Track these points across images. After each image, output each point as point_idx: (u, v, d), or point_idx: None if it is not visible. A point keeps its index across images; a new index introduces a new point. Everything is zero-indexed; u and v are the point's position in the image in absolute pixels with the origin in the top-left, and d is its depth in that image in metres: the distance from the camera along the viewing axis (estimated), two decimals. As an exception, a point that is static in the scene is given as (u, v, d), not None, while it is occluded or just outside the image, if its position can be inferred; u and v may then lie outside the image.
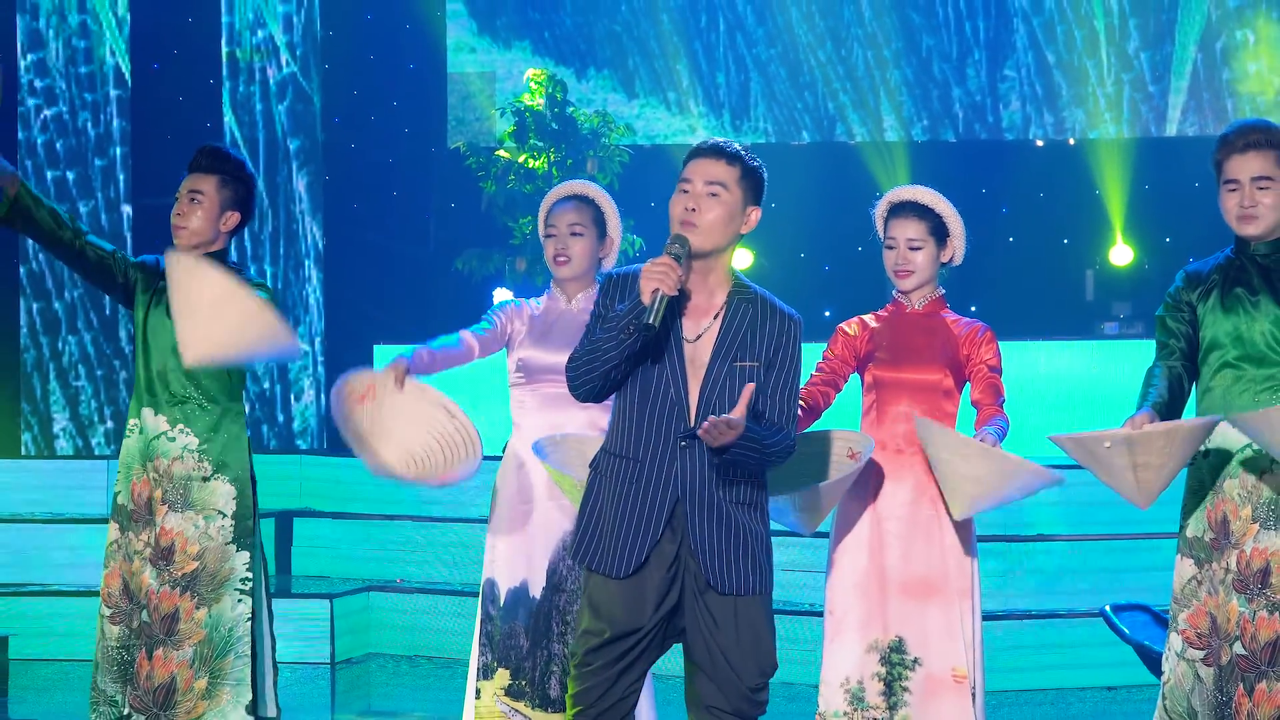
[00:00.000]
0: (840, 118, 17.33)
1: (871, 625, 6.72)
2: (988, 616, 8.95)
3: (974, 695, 6.65)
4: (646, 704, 7.32)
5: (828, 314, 16.88)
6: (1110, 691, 10.88)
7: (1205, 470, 6.34)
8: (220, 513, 7.45)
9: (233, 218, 7.50)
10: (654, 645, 5.80)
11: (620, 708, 5.83)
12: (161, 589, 7.40)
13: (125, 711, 7.54)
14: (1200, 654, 6.25)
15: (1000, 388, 6.85)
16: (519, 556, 7.40)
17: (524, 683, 7.25)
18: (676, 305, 5.68)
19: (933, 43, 17.27)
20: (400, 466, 7.13)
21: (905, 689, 6.65)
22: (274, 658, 7.63)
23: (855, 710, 6.67)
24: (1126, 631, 8.92)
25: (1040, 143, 17.25)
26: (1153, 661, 7.98)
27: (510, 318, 7.50)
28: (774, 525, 6.12)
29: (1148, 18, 16.99)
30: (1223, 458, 6.30)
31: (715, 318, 5.76)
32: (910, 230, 6.89)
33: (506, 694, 7.24)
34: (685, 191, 5.79)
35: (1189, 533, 6.36)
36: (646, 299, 5.53)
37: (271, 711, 7.78)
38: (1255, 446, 6.17)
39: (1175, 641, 6.31)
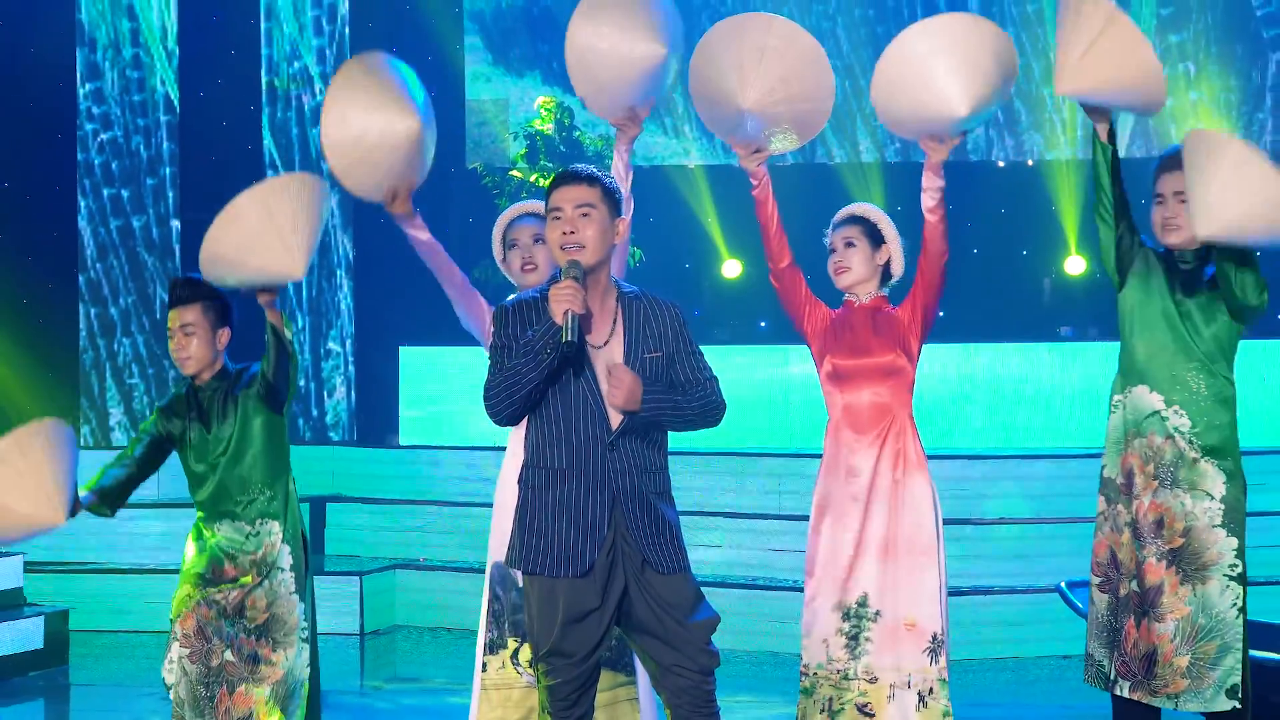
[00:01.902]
0: (820, 141, 17.30)
1: (842, 588, 6.74)
2: (954, 592, 8.97)
3: (935, 650, 6.64)
4: (648, 704, 7.31)
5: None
6: (1065, 660, 10.88)
7: (1120, 423, 6.66)
8: (280, 568, 7.43)
9: (225, 334, 7.51)
10: (608, 625, 5.83)
11: (590, 693, 5.90)
12: (239, 635, 7.38)
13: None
14: (1098, 581, 6.49)
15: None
16: None
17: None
18: (584, 320, 5.72)
19: (905, 73, 17.24)
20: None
21: (867, 639, 6.67)
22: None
23: (829, 663, 6.70)
24: (1080, 606, 8.91)
25: (1002, 164, 17.24)
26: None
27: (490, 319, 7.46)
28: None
29: (1099, 51, 16.95)
30: (1138, 415, 6.59)
31: (615, 322, 5.82)
32: (846, 232, 7.04)
33: (531, 665, 7.17)
34: (558, 218, 5.83)
35: (1105, 473, 6.71)
36: (559, 319, 5.57)
37: None
38: (1163, 413, 6.51)
39: (1091, 569, 6.58)
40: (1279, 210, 5.89)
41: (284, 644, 7.41)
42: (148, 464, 7.55)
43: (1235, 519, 6.45)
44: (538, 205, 7.48)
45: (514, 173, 15.70)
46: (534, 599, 5.82)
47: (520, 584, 7.19)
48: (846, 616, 6.70)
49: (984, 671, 10.60)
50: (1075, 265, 16.73)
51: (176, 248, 15.25)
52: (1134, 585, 6.46)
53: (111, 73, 15.40)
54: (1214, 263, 6.41)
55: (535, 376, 5.65)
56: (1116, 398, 6.70)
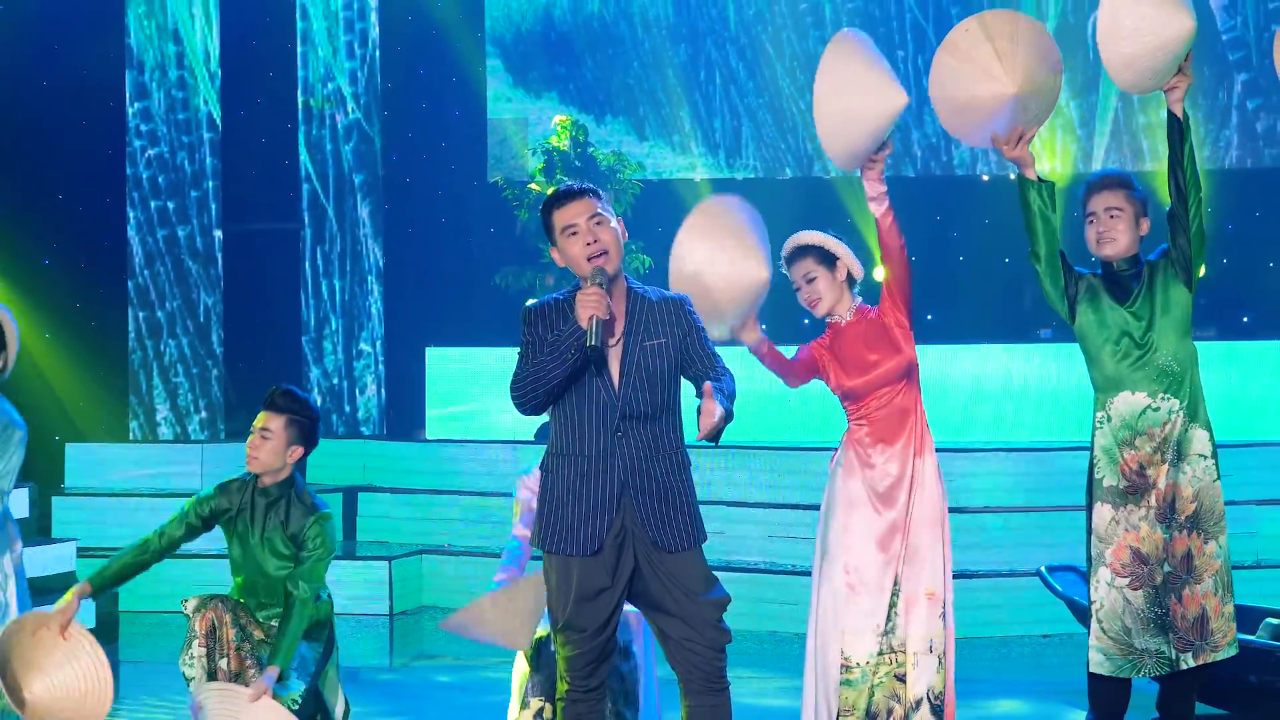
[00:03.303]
0: (818, 156, 17.28)
1: (879, 582, 6.70)
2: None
3: (945, 613, 6.63)
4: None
5: (806, 322, 16.78)
6: (1045, 639, 10.86)
7: (1110, 435, 6.65)
8: (294, 673, 7.31)
9: (297, 451, 7.39)
10: (620, 602, 5.84)
11: (605, 666, 5.88)
12: (237, 651, 7.25)
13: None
14: (1126, 581, 6.48)
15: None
16: None
17: (553, 712, 7.12)
18: (608, 325, 5.73)
19: (895, 93, 17.22)
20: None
21: (897, 614, 6.65)
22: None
23: (879, 653, 6.66)
24: (1059, 589, 8.90)
25: (986, 178, 17.20)
26: (1081, 614, 7.95)
27: (532, 489, 7.34)
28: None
29: (1075, 72, 16.95)
30: (1130, 419, 6.61)
31: (623, 320, 5.82)
32: (803, 268, 6.95)
33: (536, 717, 7.13)
34: (575, 233, 5.81)
35: (1106, 483, 6.66)
36: (585, 325, 5.58)
37: None
38: (1153, 405, 6.56)
39: (1104, 574, 6.56)
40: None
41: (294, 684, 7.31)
42: (171, 548, 7.46)
43: (1219, 467, 6.64)
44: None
45: (532, 186, 15.68)
46: (553, 576, 5.84)
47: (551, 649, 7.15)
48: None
49: (970, 649, 10.56)
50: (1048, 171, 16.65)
51: (219, 256, 15.23)
52: (1165, 567, 6.51)
53: (158, 93, 15.39)
54: (1165, 243, 6.67)
55: (559, 373, 5.68)
56: (1099, 414, 6.70)
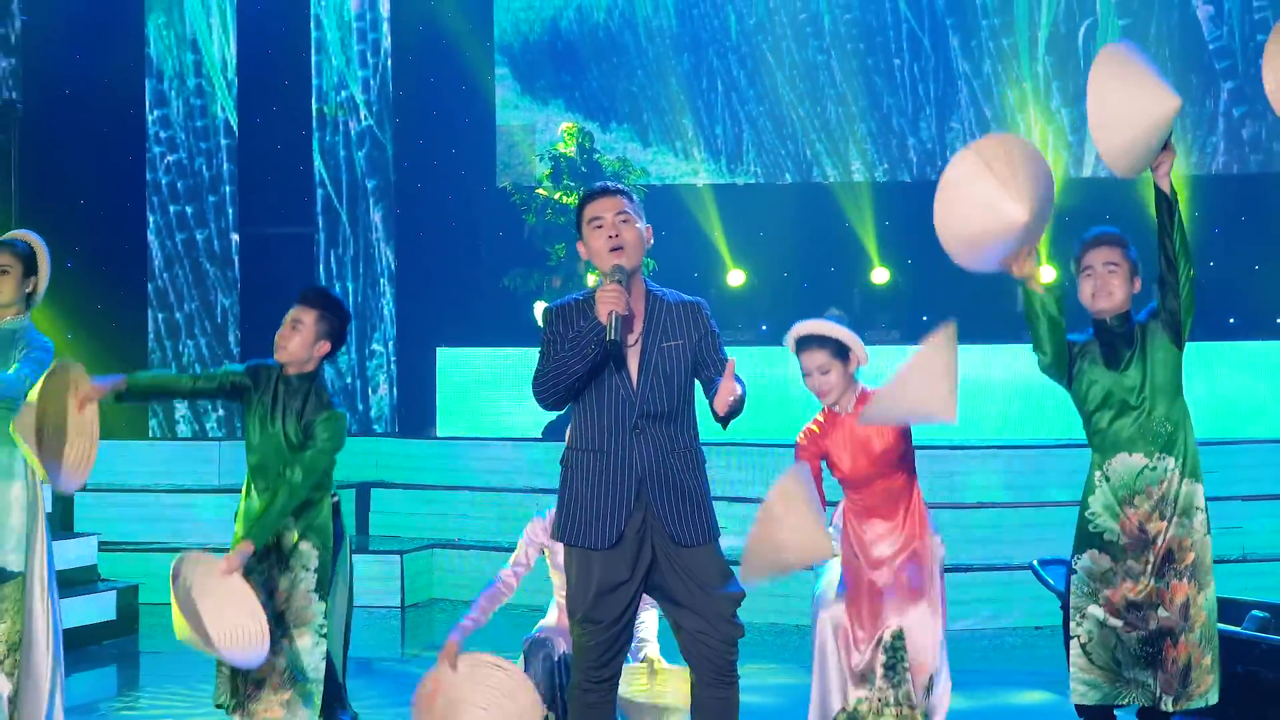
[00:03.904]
0: (816, 162, 17.29)
1: (873, 629, 6.68)
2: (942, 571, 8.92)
3: (932, 685, 6.63)
4: None
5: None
6: (1037, 630, 10.86)
7: (1110, 493, 6.56)
8: (305, 567, 7.40)
9: (324, 346, 7.43)
10: (637, 596, 5.83)
11: (619, 658, 5.87)
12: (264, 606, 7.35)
13: (230, 701, 7.54)
14: (1120, 623, 6.42)
15: None
16: (563, 642, 7.27)
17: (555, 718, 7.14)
18: (627, 320, 5.72)
19: (892, 101, 17.24)
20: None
21: (905, 669, 6.62)
22: (345, 663, 7.60)
23: (872, 691, 6.65)
24: (1051, 582, 8.88)
25: (980, 183, 17.17)
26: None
27: (546, 531, 7.31)
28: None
29: (1067, 81, 16.95)
30: (1128, 479, 6.53)
31: (643, 321, 5.81)
32: (818, 359, 6.78)
33: None
34: (599, 227, 5.84)
35: (1105, 537, 6.54)
36: (604, 320, 5.58)
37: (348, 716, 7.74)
38: (1150, 465, 6.49)
39: (1097, 611, 6.48)
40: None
41: (294, 635, 7.38)
42: (197, 393, 7.47)
43: (1209, 520, 6.57)
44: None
45: (540, 191, 15.68)
46: (573, 568, 5.83)
47: (554, 654, 7.15)
48: (885, 650, 6.65)
49: (965, 640, 10.56)
50: (1046, 274, 16.68)
51: (235, 259, 15.25)
52: (1161, 612, 6.44)
53: (177, 101, 15.39)
54: (1156, 300, 6.54)
55: (580, 369, 5.67)
56: (1097, 474, 6.61)
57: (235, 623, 6.98)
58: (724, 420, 5.75)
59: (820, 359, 6.76)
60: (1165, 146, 6.24)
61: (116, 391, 7.23)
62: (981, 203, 6.23)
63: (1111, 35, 16.85)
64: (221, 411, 15.30)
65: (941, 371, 6.02)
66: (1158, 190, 6.41)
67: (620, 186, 5.95)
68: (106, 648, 10.81)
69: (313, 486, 7.33)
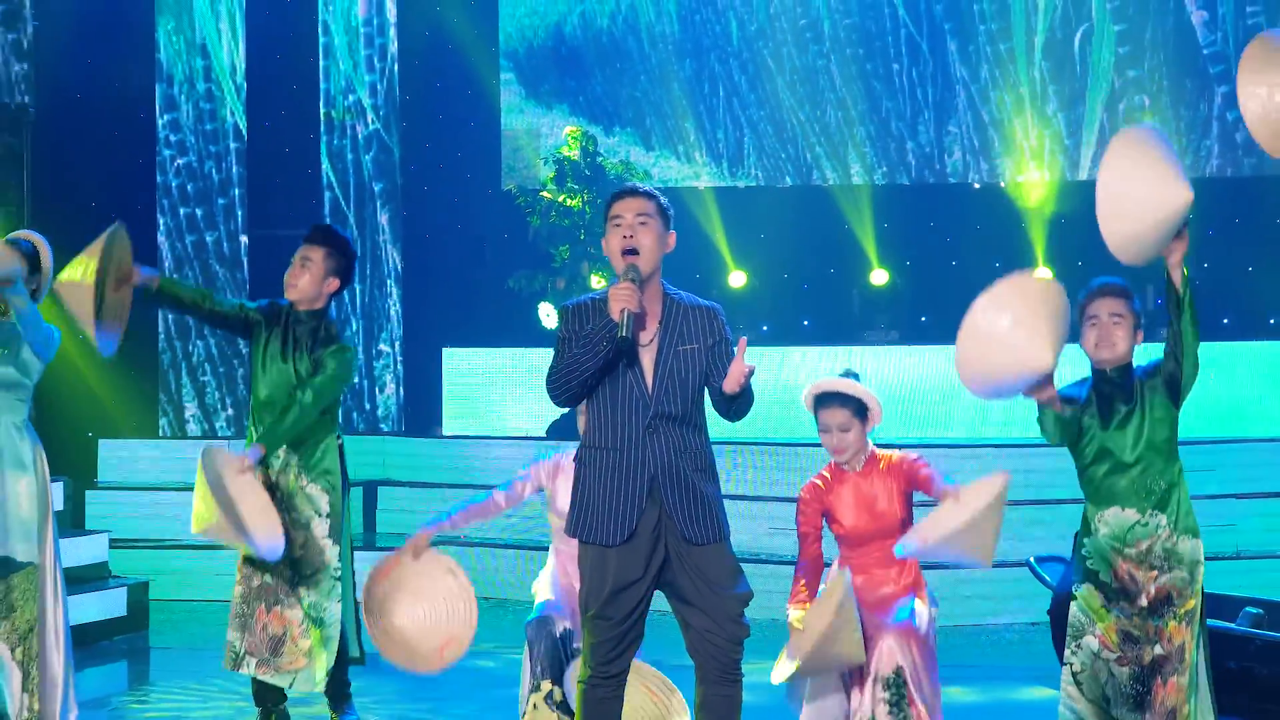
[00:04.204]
0: (816, 166, 17.27)
1: (876, 664, 6.67)
2: (938, 567, 8.92)
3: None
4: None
5: (806, 323, 16.85)
6: (1033, 626, 10.85)
7: (1106, 540, 6.49)
8: (317, 513, 7.45)
9: (333, 283, 7.53)
10: (648, 594, 5.84)
11: (628, 655, 5.87)
12: (279, 563, 7.44)
13: (241, 653, 7.59)
14: (1114, 656, 6.38)
15: (940, 475, 6.76)
16: (564, 616, 7.30)
17: (562, 693, 7.18)
18: (639, 318, 5.74)
19: (891, 105, 17.23)
20: (411, 630, 7.03)
21: (909, 704, 6.60)
22: (358, 614, 7.68)
23: None
24: (1047, 578, 8.90)
25: (977, 185, 17.19)
26: (1065, 602, 7.95)
27: (549, 475, 7.37)
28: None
29: (1064, 85, 16.95)
30: (1120, 530, 6.47)
31: (659, 324, 5.82)
32: (839, 417, 6.79)
33: (560, 707, 7.16)
34: (618, 226, 5.85)
35: (1100, 577, 6.50)
36: (617, 317, 5.60)
37: (356, 652, 7.83)
38: (1142, 520, 6.42)
39: (1091, 642, 6.44)
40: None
41: (311, 582, 7.44)
42: (218, 319, 7.58)
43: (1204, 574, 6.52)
44: None
45: (544, 194, 15.67)
46: (586, 565, 5.84)
47: (556, 631, 7.18)
48: (886, 686, 6.63)
49: (964, 635, 10.56)
50: (1042, 275, 16.65)
51: (245, 260, 15.25)
52: (1156, 649, 6.39)
53: (187, 105, 15.40)
54: (1164, 356, 6.47)
55: (592, 365, 5.69)
56: (1095, 521, 6.56)
57: (257, 513, 7.08)
58: (731, 405, 5.76)
59: (841, 417, 6.77)
60: (1178, 234, 6.14)
61: (148, 286, 7.34)
62: (1003, 350, 6.08)
63: (1108, 41, 16.85)
64: (231, 411, 15.31)
65: (991, 527, 6.07)
66: (1169, 283, 6.29)
67: (649, 190, 5.94)
68: (117, 643, 10.82)
69: (321, 411, 7.40)
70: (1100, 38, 16.90)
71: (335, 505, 7.55)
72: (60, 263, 7.45)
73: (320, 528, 7.54)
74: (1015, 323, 6.03)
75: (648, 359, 5.79)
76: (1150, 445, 6.46)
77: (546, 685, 7.16)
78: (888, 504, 6.75)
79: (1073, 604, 6.51)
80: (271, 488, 7.52)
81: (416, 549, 7.11)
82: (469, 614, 7.02)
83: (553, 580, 7.47)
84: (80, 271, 7.13)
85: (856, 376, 6.90)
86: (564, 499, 7.14)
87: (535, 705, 7.14)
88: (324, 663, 7.61)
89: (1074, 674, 6.48)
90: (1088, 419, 6.57)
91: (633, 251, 5.77)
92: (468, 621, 7.05)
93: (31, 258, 7.56)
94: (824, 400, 6.82)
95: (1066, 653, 6.51)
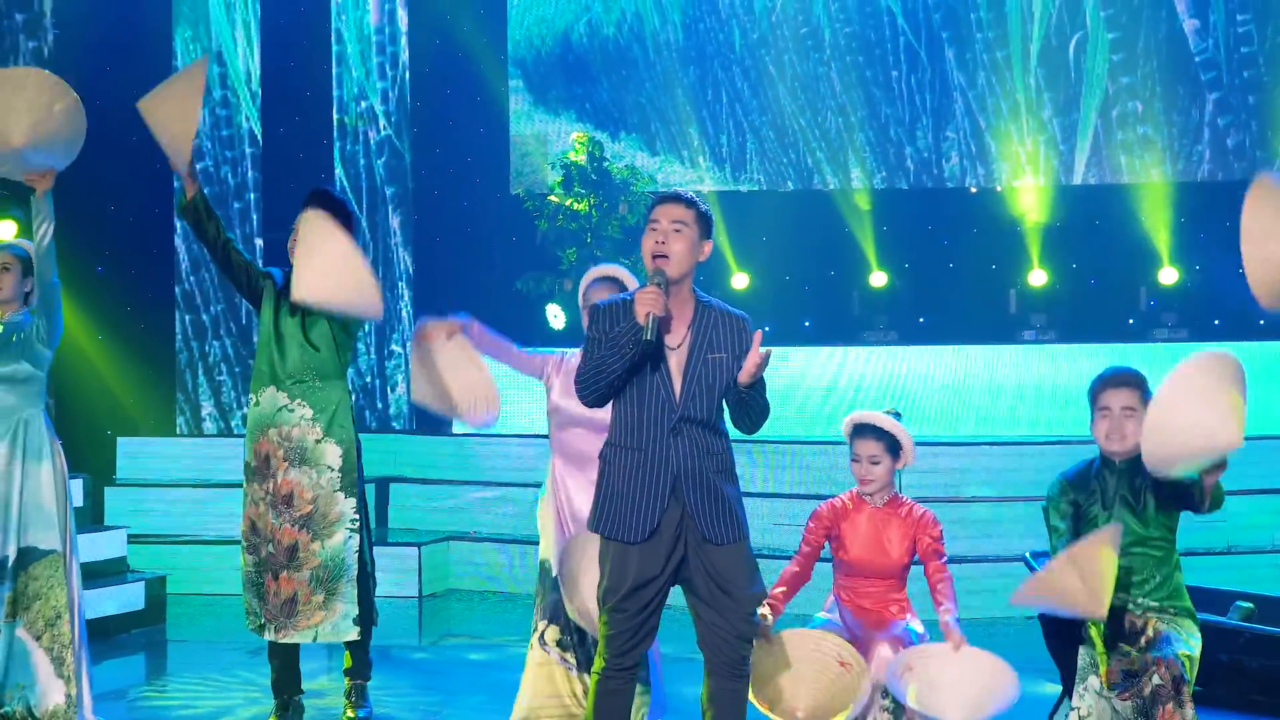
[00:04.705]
0: (817, 170, 17.27)
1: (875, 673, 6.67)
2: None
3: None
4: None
5: (807, 324, 16.85)
6: (1030, 620, 10.82)
7: (1092, 624, 6.42)
8: (329, 467, 7.51)
9: None
10: (665, 590, 5.85)
11: (642, 647, 5.87)
12: (283, 527, 7.47)
13: (261, 621, 7.65)
14: (1114, 692, 6.34)
15: (943, 555, 6.76)
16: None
17: (567, 637, 7.25)
18: (664, 322, 5.75)
19: (890, 111, 17.22)
20: (433, 401, 7.12)
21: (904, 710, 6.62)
22: (374, 576, 7.74)
23: None
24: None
25: (974, 189, 17.18)
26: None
27: (554, 368, 7.42)
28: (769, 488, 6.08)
29: (1058, 91, 16.94)
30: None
31: (688, 328, 5.83)
32: (871, 449, 6.80)
33: (558, 645, 7.26)
34: (654, 229, 5.85)
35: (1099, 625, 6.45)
36: (641, 320, 5.60)
37: (372, 619, 7.87)
38: (1134, 600, 6.39)
39: (1094, 682, 6.39)
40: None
41: (324, 535, 7.48)
42: (228, 263, 7.65)
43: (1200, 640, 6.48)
44: (612, 270, 7.43)
45: (551, 198, 15.68)
46: (608, 559, 5.85)
47: (554, 572, 7.22)
48: (885, 694, 6.64)
49: (960, 629, 10.53)
50: (1037, 277, 16.66)
51: (260, 262, 15.25)
52: (1155, 680, 6.32)
53: (204, 111, 15.40)
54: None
55: (618, 367, 5.70)
56: None
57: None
58: (745, 411, 5.79)
59: (873, 449, 6.80)
60: (1217, 466, 5.99)
61: (189, 184, 7.42)
62: (1063, 601, 6.01)
63: (1101, 48, 16.84)
64: (246, 409, 15.32)
65: (1103, 578, 5.93)
66: (1199, 484, 6.15)
67: (690, 197, 5.92)
68: (135, 636, 10.82)
69: (345, 349, 7.48)
70: (1094, 45, 16.89)
71: (349, 459, 7.62)
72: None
73: (334, 480, 7.58)
74: (1207, 405, 5.80)
75: (676, 363, 5.81)
76: (1145, 545, 6.42)
77: (542, 625, 7.28)
78: (897, 547, 6.76)
79: (1081, 646, 6.46)
80: (289, 443, 7.55)
81: (446, 332, 7.17)
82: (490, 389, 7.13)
83: (555, 512, 7.49)
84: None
85: (899, 416, 6.91)
86: (557, 395, 7.27)
87: (533, 646, 7.28)
88: (344, 612, 7.63)
89: (1077, 707, 6.46)
90: (1089, 504, 6.52)
91: (662, 256, 5.77)
92: (491, 395, 7.24)
93: (25, 261, 7.59)
94: (860, 430, 6.85)
95: (1075, 695, 6.49)
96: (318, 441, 7.60)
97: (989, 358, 14.01)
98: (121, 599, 10.89)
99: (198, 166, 15.42)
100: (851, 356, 14.29)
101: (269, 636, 7.71)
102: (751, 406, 5.86)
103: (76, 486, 10.74)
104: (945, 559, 6.76)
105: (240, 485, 7.77)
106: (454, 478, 13.46)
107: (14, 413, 7.36)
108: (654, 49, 17.58)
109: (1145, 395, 6.42)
